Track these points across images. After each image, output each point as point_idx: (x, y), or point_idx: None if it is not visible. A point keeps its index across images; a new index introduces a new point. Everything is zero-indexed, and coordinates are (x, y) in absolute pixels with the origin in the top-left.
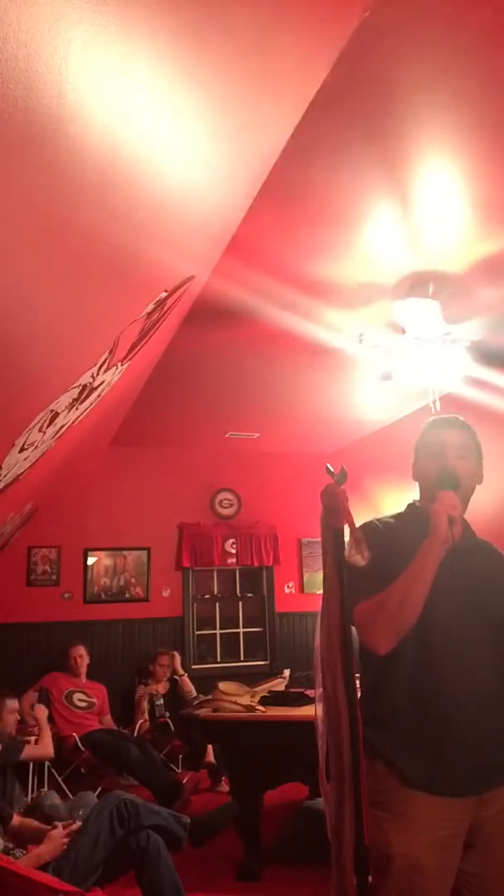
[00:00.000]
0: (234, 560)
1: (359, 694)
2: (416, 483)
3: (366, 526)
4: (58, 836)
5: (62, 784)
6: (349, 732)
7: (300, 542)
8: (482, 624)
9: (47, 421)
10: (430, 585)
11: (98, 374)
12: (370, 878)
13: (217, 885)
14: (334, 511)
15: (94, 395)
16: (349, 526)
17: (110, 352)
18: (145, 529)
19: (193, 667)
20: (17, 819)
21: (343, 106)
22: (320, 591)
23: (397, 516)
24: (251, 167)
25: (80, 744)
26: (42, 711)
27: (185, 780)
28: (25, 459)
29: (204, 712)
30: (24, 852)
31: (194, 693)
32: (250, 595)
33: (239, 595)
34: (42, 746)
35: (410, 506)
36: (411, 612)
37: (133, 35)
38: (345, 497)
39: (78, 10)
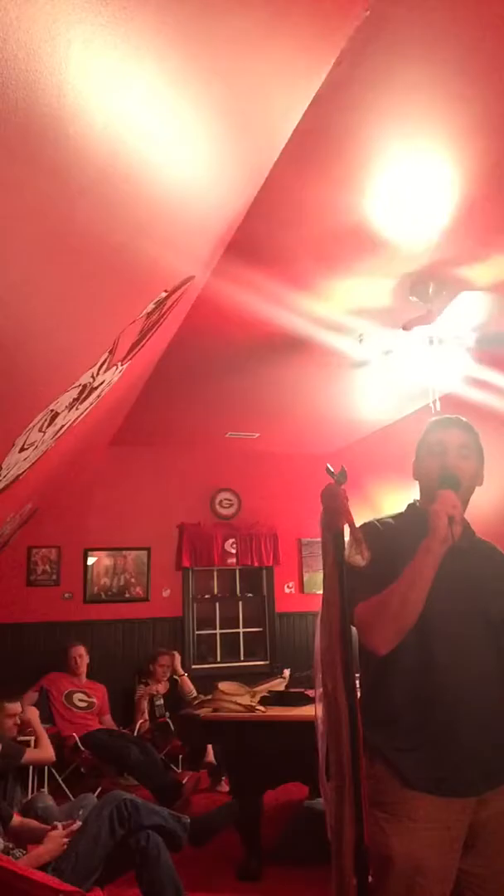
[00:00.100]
0: (234, 560)
1: (359, 694)
2: (417, 483)
3: (365, 526)
4: (58, 836)
5: (62, 784)
6: (349, 732)
7: (300, 542)
8: (482, 625)
9: (47, 421)
10: (431, 586)
11: (98, 374)
12: (370, 879)
13: (217, 885)
14: (334, 511)
15: (94, 395)
16: (349, 526)
17: (110, 352)
18: (145, 529)
19: (193, 667)
20: (17, 819)
21: (344, 104)
22: (320, 592)
23: (397, 516)
24: (251, 167)
25: (80, 744)
26: (33, 713)
27: (185, 780)
28: (25, 459)
29: (204, 712)
30: (24, 852)
31: (194, 693)
32: (250, 595)
33: (239, 595)
34: (42, 750)
35: (410, 506)
36: (411, 612)
37: (133, 35)
38: (345, 497)
39: (78, 10)
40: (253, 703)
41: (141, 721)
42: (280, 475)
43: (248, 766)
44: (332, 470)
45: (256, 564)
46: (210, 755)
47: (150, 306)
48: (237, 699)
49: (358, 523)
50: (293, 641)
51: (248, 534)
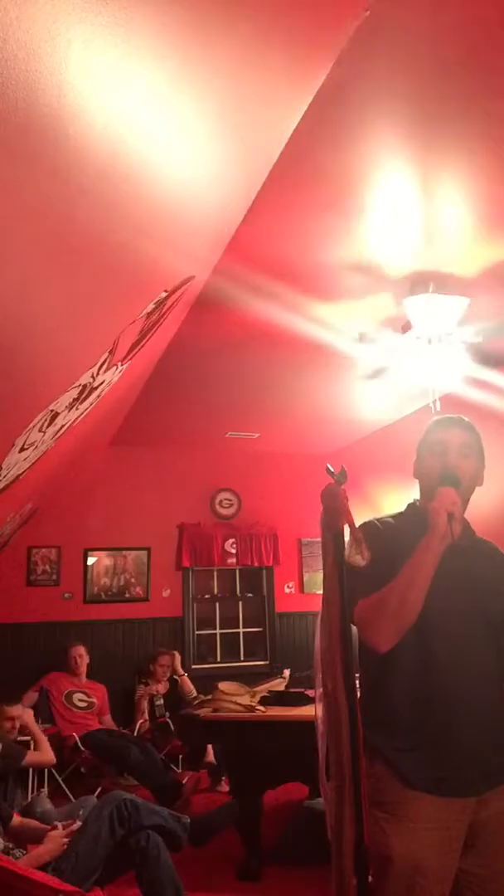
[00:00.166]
0: (234, 560)
1: (358, 694)
2: (417, 482)
3: (365, 525)
4: (58, 836)
5: (62, 784)
6: (349, 732)
7: (300, 542)
8: (482, 624)
9: (47, 421)
10: (430, 585)
11: (98, 374)
12: (370, 878)
13: (217, 885)
14: (334, 511)
15: (94, 395)
16: (349, 526)
17: (110, 352)
18: (145, 529)
19: (193, 667)
20: (17, 819)
21: (345, 103)
22: (320, 591)
23: (397, 516)
24: (251, 166)
25: (80, 744)
26: (28, 715)
27: (185, 780)
28: (25, 459)
29: (204, 712)
30: (24, 852)
31: (194, 693)
32: (250, 595)
33: (239, 595)
34: (42, 752)
35: (411, 505)
36: (411, 609)
37: (133, 35)
38: (345, 497)
39: (78, 10)
40: (253, 703)
41: (141, 721)
42: (280, 475)
43: (248, 766)
44: (332, 470)
45: (256, 564)
46: (210, 755)
47: (150, 306)
48: (237, 699)
49: (358, 523)
50: (293, 641)
51: (248, 534)
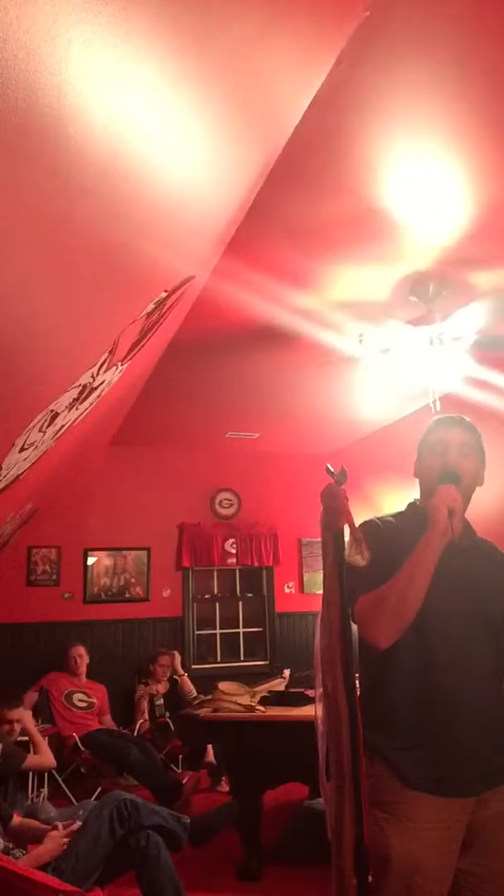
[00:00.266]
0: (234, 560)
1: (358, 694)
2: (417, 481)
3: (366, 524)
4: (58, 836)
5: (62, 785)
6: (349, 732)
7: (300, 542)
8: (482, 625)
9: (47, 421)
10: (431, 585)
11: (98, 374)
12: (370, 878)
13: (217, 885)
14: (334, 511)
15: (94, 395)
16: (349, 526)
17: (110, 352)
18: (145, 529)
19: (193, 667)
20: (17, 819)
21: (345, 103)
22: (320, 591)
23: (398, 515)
24: (251, 167)
25: (80, 744)
26: (28, 718)
27: (185, 780)
28: (25, 459)
29: (204, 712)
30: (24, 852)
31: (194, 693)
32: (250, 595)
33: (239, 595)
34: (42, 756)
35: (411, 505)
36: (412, 606)
37: (133, 35)
38: (345, 497)
39: (78, 10)
40: (253, 703)
41: (141, 721)
42: (280, 475)
43: (248, 766)
44: (332, 470)
45: (256, 564)
46: (210, 755)
47: (150, 306)
48: (237, 699)
49: (358, 523)
50: (293, 641)
51: (248, 534)
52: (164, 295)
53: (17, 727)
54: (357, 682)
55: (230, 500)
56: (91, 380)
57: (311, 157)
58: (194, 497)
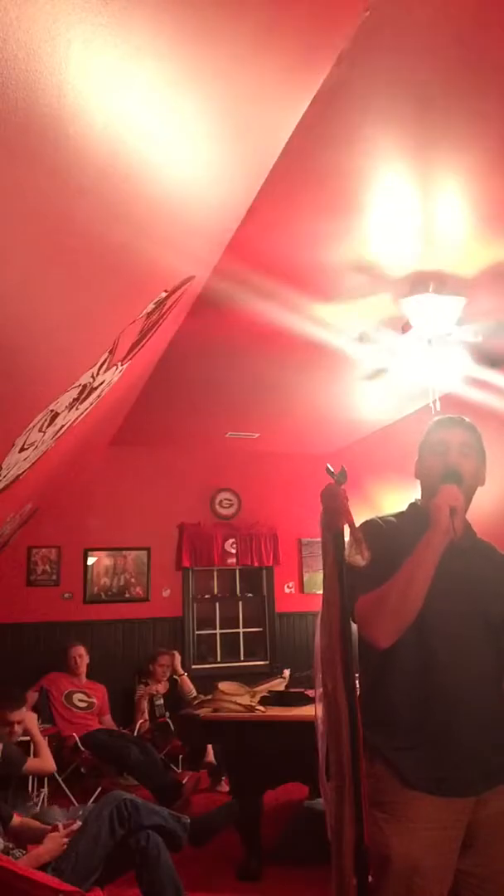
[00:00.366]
0: (234, 560)
1: (358, 694)
2: (418, 482)
3: (367, 524)
4: (58, 836)
5: (62, 785)
6: (349, 732)
7: (300, 542)
8: (482, 625)
9: (47, 421)
10: (431, 585)
11: (98, 374)
12: (370, 878)
13: (217, 885)
14: (334, 511)
15: (94, 395)
16: (349, 526)
17: (110, 352)
18: (145, 529)
19: (193, 667)
20: (17, 819)
21: (345, 103)
22: (320, 591)
23: (399, 515)
24: (251, 167)
25: (80, 744)
26: (31, 720)
27: (185, 780)
28: (25, 459)
29: (204, 712)
30: (24, 852)
31: (194, 693)
32: (250, 595)
33: (239, 595)
34: (43, 761)
35: (412, 505)
36: (412, 606)
37: (133, 35)
38: (345, 497)
39: (78, 10)
40: (253, 703)
41: (141, 721)
42: (280, 475)
43: (248, 766)
44: (332, 470)
45: (256, 564)
46: (210, 755)
47: (150, 306)
48: (237, 699)
49: (358, 523)
50: (293, 641)
51: (248, 534)
52: (164, 295)
53: (17, 728)
54: (357, 682)
55: (230, 500)
56: (91, 380)
57: (311, 157)
58: (194, 497)
